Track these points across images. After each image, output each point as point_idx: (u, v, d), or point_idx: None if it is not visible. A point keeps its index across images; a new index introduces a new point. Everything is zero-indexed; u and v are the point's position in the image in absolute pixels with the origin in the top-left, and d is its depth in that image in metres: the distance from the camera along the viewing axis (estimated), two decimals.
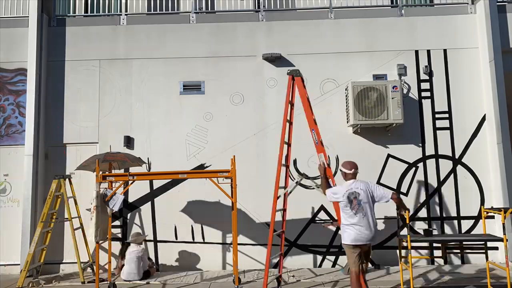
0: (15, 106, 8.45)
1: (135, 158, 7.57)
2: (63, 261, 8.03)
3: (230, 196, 6.65)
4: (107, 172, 7.39)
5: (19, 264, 7.79)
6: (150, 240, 8.08)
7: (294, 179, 8.13)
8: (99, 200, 6.55)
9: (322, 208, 8.13)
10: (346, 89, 8.21)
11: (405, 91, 8.35)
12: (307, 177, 8.00)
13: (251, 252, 8.02)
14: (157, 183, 8.14)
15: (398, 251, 6.84)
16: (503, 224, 5.84)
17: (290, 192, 6.95)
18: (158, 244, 8.08)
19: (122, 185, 6.82)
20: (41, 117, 8.23)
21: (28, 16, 8.44)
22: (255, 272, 7.62)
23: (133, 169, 7.97)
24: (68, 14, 9.23)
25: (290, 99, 6.65)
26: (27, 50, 8.28)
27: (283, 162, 6.70)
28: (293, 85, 6.69)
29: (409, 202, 8.11)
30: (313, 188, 8.17)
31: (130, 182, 6.69)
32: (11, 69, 8.49)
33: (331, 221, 7.93)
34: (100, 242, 6.70)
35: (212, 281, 7.09)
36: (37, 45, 8.27)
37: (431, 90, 8.42)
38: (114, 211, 6.70)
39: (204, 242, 8.06)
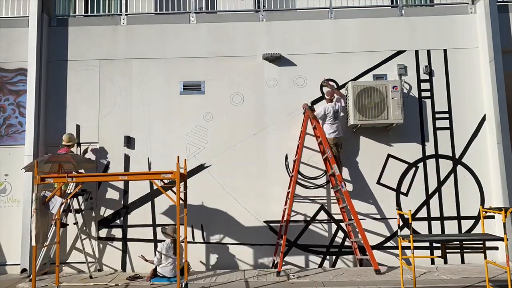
0: (15, 106, 8.45)
1: (82, 160, 7.53)
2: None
3: (173, 200, 6.36)
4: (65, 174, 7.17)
5: (19, 264, 7.79)
6: (150, 240, 8.08)
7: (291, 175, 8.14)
8: (38, 203, 6.29)
9: (322, 208, 8.13)
10: (346, 89, 8.21)
11: (405, 91, 8.35)
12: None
13: (251, 252, 8.01)
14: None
15: (398, 251, 6.85)
16: (504, 223, 5.83)
17: None
18: (158, 244, 8.06)
19: (61, 187, 6.62)
20: (41, 117, 8.23)
21: (28, 16, 8.44)
22: (255, 272, 7.61)
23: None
24: (68, 14, 9.24)
25: (305, 129, 7.92)
26: (27, 50, 8.28)
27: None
28: (309, 118, 7.89)
29: (409, 202, 8.11)
30: (313, 188, 8.17)
31: (72, 184, 6.48)
32: (11, 69, 8.49)
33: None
34: (39, 246, 6.46)
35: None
36: (37, 45, 8.26)
37: (431, 90, 8.42)
38: (53, 214, 6.51)
39: (204, 242, 8.05)
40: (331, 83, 8.26)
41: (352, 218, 7.45)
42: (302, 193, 8.14)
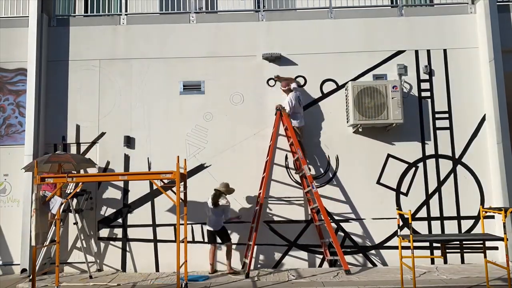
0: (15, 106, 8.45)
1: (82, 160, 7.52)
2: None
3: (173, 200, 6.38)
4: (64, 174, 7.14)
5: (19, 264, 7.79)
6: (150, 240, 8.08)
7: (293, 176, 8.15)
8: (37, 203, 6.30)
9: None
10: (346, 89, 8.21)
11: (405, 91, 8.35)
12: None
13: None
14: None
15: (398, 250, 6.85)
16: (504, 223, 5.84)
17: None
18: (158, 244, 8.08)
19: (61, 187, 6.59)
20: (41, 117, 8.22)
21: (28, 16, 8.43)
22: (255, 271, 7.61)
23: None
24: (68, 14, 9.25)
25: (277, 129, 8.09)
26: (27, 50, 8.28)
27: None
28: (280, 118, 8.00)
29: (409, 202, 8.11)
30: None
31: (71, 184, 6.45)
32: (11, 69, 8.49)
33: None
34: (38, 246, 6.45)
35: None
36: (37, 45, 8.26)
37: (431, 90, 8.42)
38: (53, 213, 6.51)
39: (204, 242, 8.05)
40: (279, 76, 8.32)
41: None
42: (301, 194, 8.13)
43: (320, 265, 7.99)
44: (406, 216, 7.77)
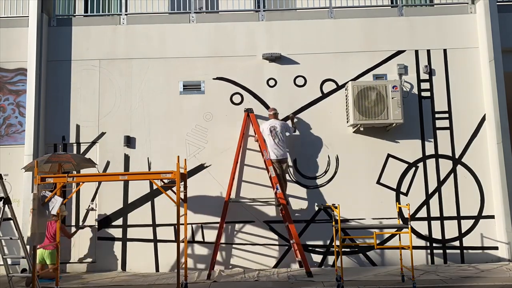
0: (15, 106, 8.45)
1: (82, 160, 7.51)
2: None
3: (173, 200, 6.38)
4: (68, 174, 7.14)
5: (19, 264, 7.79)
6: (150, 240, 8.08)
7: (293, 179, 8.15)
8: (36, 203, 6.20)
9: (321, 208, 8.13)
10: (346, 89, 8.21)
11: (405, 90, 8.35)
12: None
13: (251, 252, 8.01)
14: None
15: (399, 250, 6.86)
16: None
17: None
18: (158, 244, 8.08)
19: (61, 187, 6.53)
20: (41, 117, 8.23)
21: (28, 16, 8.43)
22: (255, 272, 7.61)
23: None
24: (68, 14, 9.25)
25: (244, 131, 8.14)
26: (27, 50, 8.28)
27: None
28: (247, 119, 8.11)
29: (409, 202, 8.09)
30: (313, 188, 8.16)
31: (73, 184, 6.44)
32: (11, 69, 8.49)
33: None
34: (38, 246, 6.42)
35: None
36: (37, 45, 8.26)
37: (431, 90, 8.42)
38: (53, 214, 6.46)
39: (204, 242, 8.05)
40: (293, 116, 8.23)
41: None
42: (302, 193, 8.14)
43: (320, 265, 7.99)
44: (406, 217, 7.82)
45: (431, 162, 8.25)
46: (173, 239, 7.98)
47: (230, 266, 7.97)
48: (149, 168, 8.21)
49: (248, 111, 8.12)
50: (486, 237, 8.00)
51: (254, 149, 8.25)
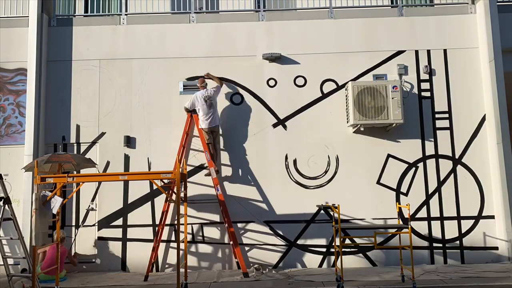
0: (15, 106, 8.45)
1: (83, 160, 7.51)
2: None
3: (173, 200, 6.44)
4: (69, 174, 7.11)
5: (19, 264, 7.79)
6: (150, 240, 8.08)
7: (293, 178, 8.15)
8: (37, 203, 6.28)
9: (322, 208, 8.12)
10: (346, 89, 8.21)
11: (405, 90, 8.35)
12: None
13: (251, 252, 8.01)
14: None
15: (399, 250, 6.86)
16: None
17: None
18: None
19: (61, 187, 6.52)
20: (41, 117, 8.23)
21: (28, 16, 8.43)
22: (255, 271, 7.61)
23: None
24: (68, 14, 9.25)
25: (187, 130, 8.18)
26: (27, 50, 8.28)
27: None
28: (191, 120, 8.16)
29: (409, 202, 8.09)
30: (313, 188, 8.16)
31: (73, 184, 6.44)
32: (11, 69, 8.49)
33: None
34: (40, 246, 6.42)
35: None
36: (37, 45, 8.26)
37: (431, 90, 8.42)
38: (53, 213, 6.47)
39: (204, 242, 8.05)
40: (209, 74, 8.31)
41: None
42: (303, 193, 8.14)
43: (320, 265, 7.99)
44: (406, 217, 7.82)
45: (431, 162, 8.25)
46: (173, 239, 7.99)
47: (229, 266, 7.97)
48: (149, 168, 8.21)
49: (192, 112, 8.13)
50: (486, 236, 8.01)
51: (197, 149, 8.27)
